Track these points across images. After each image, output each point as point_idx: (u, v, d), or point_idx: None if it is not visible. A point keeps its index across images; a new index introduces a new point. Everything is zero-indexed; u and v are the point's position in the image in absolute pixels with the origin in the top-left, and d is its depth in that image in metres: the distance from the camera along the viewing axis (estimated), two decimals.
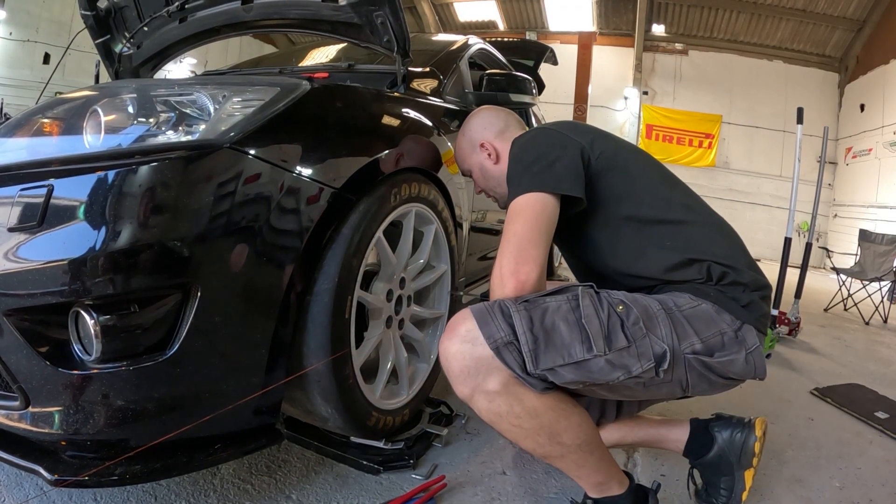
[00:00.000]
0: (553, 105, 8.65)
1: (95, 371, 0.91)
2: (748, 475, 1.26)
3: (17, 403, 0.93)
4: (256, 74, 1.60)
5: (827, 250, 5.34)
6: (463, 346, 0.98)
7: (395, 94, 1.63)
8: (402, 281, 1.49)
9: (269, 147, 1.05)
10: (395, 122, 1.47)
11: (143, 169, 0.90)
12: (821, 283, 4.90)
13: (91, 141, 0.96)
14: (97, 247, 0.87)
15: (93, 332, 0.89)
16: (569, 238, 1.25)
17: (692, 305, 1.05)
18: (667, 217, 1.14)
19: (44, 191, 0.88)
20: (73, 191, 0.89)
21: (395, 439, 1.46)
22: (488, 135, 1.40)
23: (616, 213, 1.15)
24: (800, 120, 3.37)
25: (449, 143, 1.67)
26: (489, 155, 1.38)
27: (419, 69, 1.94)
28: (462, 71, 2.16)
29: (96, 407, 0.92)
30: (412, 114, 1.57)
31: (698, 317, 1.03)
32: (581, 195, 1.08)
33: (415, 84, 1.85)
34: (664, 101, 10.41)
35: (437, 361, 1.67)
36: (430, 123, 1.63)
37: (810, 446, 1.79)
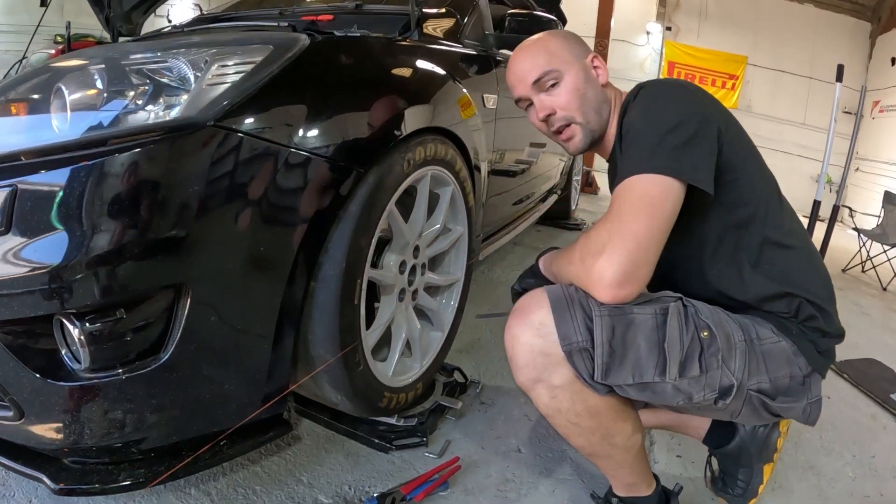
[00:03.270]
0: None
1: (88, 381, 0.83)
2: (767, 469, 1.22)
3: (11, 414, 0.86)
4: (254, 21, 1.40)
5: (850, 209, 5.11)
6: (534, 339, 0.90)
7: (408, 42, 1.44)
8: (416, 249, 1.37)
9: (262, 120, 0.90)
10: (408, 78, 1.30)
11: (115, 160, 0.77)
12: (839, 240, 4.72)
13: (59, 125, 0.82)
14: (72, 252, 0.77)
15: (78, 341, 0.81)
16: None
17: (773, 341, 0.95)
18: (776, 239, 0.98)
19: (6, 191, 0.76)
20: (35, 189, 0.77)
21: (407, 414, 1.40)
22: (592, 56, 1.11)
23: (726, 220, 0.97)
24: (839, 78, 3.11)
25: (464, 90, 1.51)
26: (598, 71, 1.09)
27: (435, 10, 1.73)
28: (482, 9, 1.93)
29: (93, 417, 0.85)
30: (427, 66, 1.39)
31: (775, 355, 0.94)
32: (712, 192, 0.89)
33: (430, 26, 1.64)
34: (688, 38, 9.81)
35: (452, 329, 1.60)
36: (447, 74, 1.45)
37: (826, 427, 1.73)
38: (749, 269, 0.97)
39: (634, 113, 0.96)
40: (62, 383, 0.82)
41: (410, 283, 1.38)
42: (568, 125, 1.06)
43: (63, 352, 0.83)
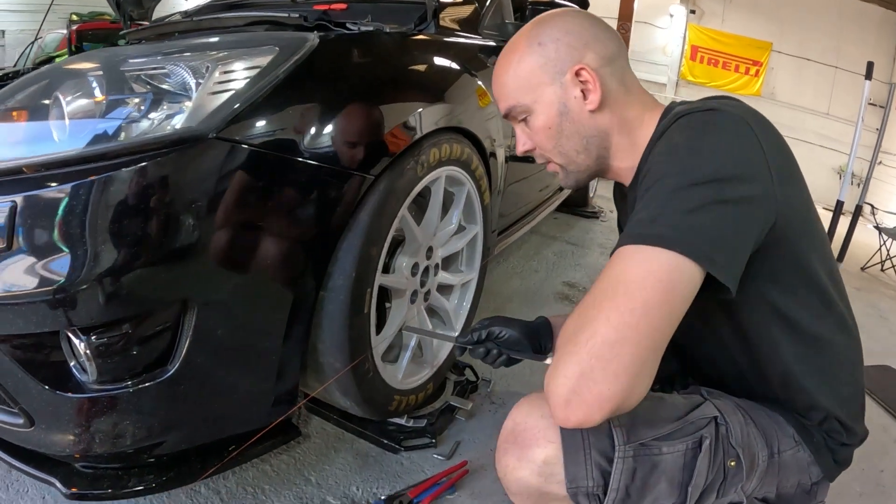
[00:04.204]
0: None
1: (96, 393, 0.81)
2: None
3: (21, 422, 0.85)
4: (266, 9, 1.34)
5: (872, 207, 4.94)
6: (533, 478, 0.73)
7: (423, 36, 1.37)
8: (430, 250, 1.33)
9: (267, 130, 0.85)
10: (423, 78, 1.23)
11: (116, 175, 0.73)
12: (859, 234, 4.56)
13: (58, 135, 0.78)
14: (75, 270, 0.73)
15: (84, 355, 0.79)
16: None
17: (792, 450, 0.81)
18: (817, 331, 0.77)
19: (7, 206, 0.73)
20: (36, 205, 0.74)
21: (417, 415, 1.37)
22: (590, 57, 0.77)
23: (767, 300, 0.75)
24: (868, 75, 2.96)
25: (480, 81, 1.42)
26: (585, 92, 0.77)
27: None
28: None
29: (102, 426, 0.83)
30: (443, 63, 1.33)
31: (791, 466, 0.81)
32: (734, 287, 0.64)
33: (447, 16, 1.55)
34: (712, 22, 9.48)
35: (464, 327, 1.56)
36: (463, 69, 1.38)
37: None
38: (789, 372, 0.78)
39: (660, 148, 0.72)
40: (71, 395, 0.81)
41: (423, 284, 1.34)
42: (548, 162, 0.86)
43: (72, 363, 0.82)
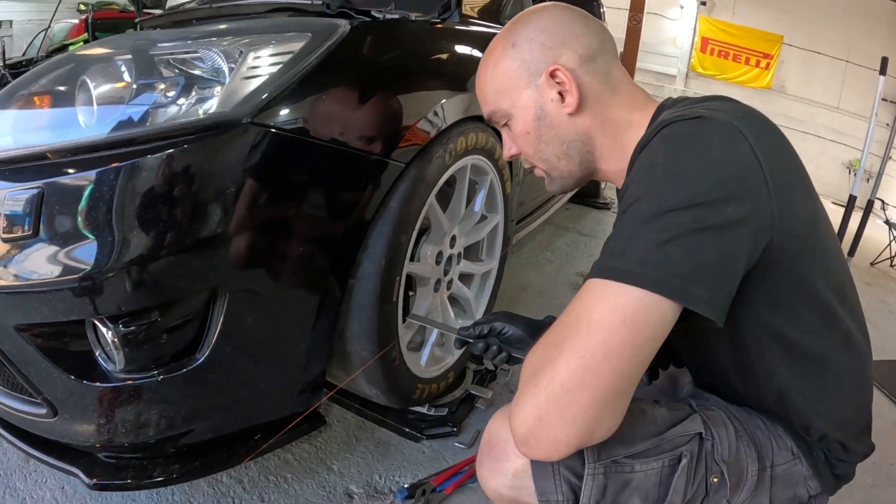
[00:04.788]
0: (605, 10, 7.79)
1: (123, 382, 0.79)
2: None
3: (44, 412, 0.83)
4: (284, 0, 1.31)
5: (883, 202, 4.87)
6: (504, 490, 0.72)
7: (448, 24, 1.34)
8: (453, 239, 1.30)
9: (300, 115, 0.83)
10: (450, 66, 1.20)
11: (146, 161, 0.71)
12: (870, 230, 4.50)
13: (85, 120, 0.75)
14: (102, 257, 0.71)
15: (112, 343, 0.77)
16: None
17: (789, 464, 0.75)
18: (818, 352, 0.70)
19: (34, 193, 0.70)
20: (63, 191, 0.71)
21: (438, 404, 1.36)
22: (567, 56, 0.71)
23: (763, 323, 0.68)
24: (883, 70, 2.89)
25: None
26: (563, 94, 0.72)
27: None
28: None
29: (128, 416, 0.82)
30: (469, 51, 1.29)
31: (785, 479, 0.75)
32: (720, 319, 0.58)
33: (469, 4, 1.51)
34: (723, 14, 9.31)
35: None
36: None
37: None
38: (788, 395, 0.72)
39: (642, 161, 0.63)
40: (96, 384, 0.79)
41: (446, 272, 1.32)
42: (534, 167, 0.81)
43: (97, 352, 0.80)
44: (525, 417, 0.58)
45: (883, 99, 3.49)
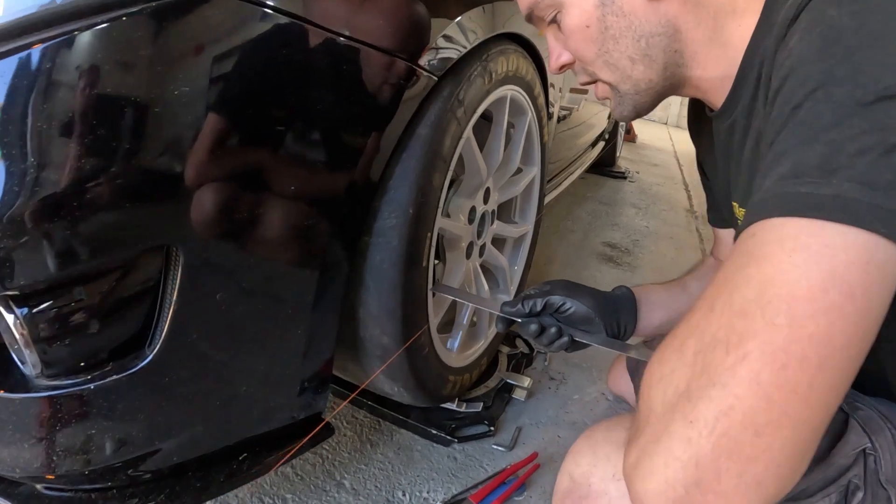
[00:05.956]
0: None
1: (46, 392, 0.51)
2: None
3: None
4: None
5: None
6: None
7: None
8: (486, 193, 1.02)
9: None
10: None
11: (70, 47, 0.42)
12: None
13: None
14: (4, 199, 0.42)
15: (20, 337, 0.48)
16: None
17: None
18: None
19: None
20: None
21: (469, 398, 1.09)
22: None
23: None
24: None
25: None
26: None
27: None
28: None
29: (62, 440, 0.53)
30: None
31: None
32: None
33: None
34: None
35: (519, 290, 1.27)
36: None
37: None
38: None
39: (801, 35, 0.40)
40: (12, 395, 0.50)
41: (479, 234, 1.04)
42: (594, 81, 0.60)
43: (12, 352, 0.51)
44: (668, 481, 0.33)
45: None
